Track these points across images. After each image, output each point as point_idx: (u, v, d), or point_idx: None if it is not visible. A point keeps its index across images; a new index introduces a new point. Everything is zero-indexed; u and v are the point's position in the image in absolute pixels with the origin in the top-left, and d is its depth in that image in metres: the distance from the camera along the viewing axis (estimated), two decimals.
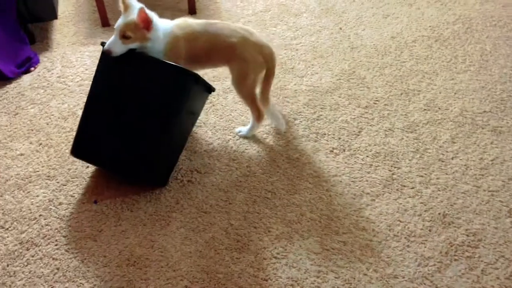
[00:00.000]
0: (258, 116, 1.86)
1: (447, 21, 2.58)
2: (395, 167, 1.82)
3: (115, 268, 1.51)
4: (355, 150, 1.89)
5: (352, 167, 1.82)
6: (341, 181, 1.77)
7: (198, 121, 1.98)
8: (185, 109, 1.70)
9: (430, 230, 1.61)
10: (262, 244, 1.57)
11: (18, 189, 1.75)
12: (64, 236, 1.61)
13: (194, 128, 1.97)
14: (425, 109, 2.06)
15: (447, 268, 1.50)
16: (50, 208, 1.69)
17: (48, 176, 1.80)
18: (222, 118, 2.03)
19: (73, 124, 2.00)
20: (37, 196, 1.73)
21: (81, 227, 1.63)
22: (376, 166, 1.82)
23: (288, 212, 1.67)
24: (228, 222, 1.64)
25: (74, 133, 1.94)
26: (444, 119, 2.02)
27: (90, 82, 2.18)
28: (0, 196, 1.73)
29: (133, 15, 1.62)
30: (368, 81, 2.21)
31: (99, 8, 2.54)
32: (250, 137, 1.94)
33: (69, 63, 2.33)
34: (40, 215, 1.67)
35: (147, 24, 1.63)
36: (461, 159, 1.85)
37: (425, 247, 1.56)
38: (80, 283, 1.48)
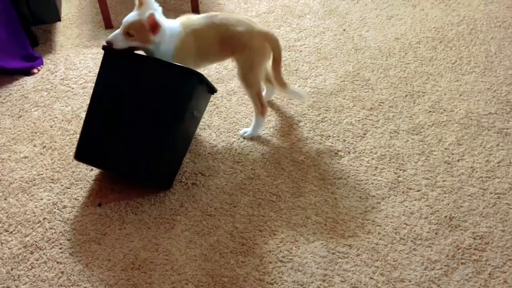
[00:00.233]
0: (262, 110, 1.87)
1: (452, 22, 2.57)
2: (400, 170, 1.81)
3: (119, 272, 1.51)
4: (360, 153, 1.88)
5: (357, 170, 1.81)
6: (346, 184, 1.76)
7: (202, 123, 1.97)
8: (189, 110, 1.69)
9: (436, 233, 1.60)
10: (267, 247, 1.57)
11: (22, 192, 1.75)
12: (68, 240, 1.60)
13: (198, 131, 1.96)
14: (430, 111, 2.05)
15: (454, 272, 1.49)
16: (54, 211, 1.68)
17: (52, 179, 1.79)
18: (226, 120, 2.02)
19: (77, 126, 2.00)
20: (41, 199, 1.72)
21: (85, 231, 1.62)
22: (382, 169, 1.81)
23: (293, 215, 1.66)
24: (233, 225, 1.63)
25: (78, 136, 1.94)
26: (450, 121, 2.00)
27: (93, 84, 2.19)
28: (4, 199, 1.72)
29: (143, 16, 1.61)
30: (373, 83, 2.20)
31: (102, 10, 2.53)
32: (255, 138, 1.93)
33: (73, 66, 2.32)
34: (44, 218, 1.66)
35: (155, 29, 1.63)
36: (467, 162, 1.83)
37: (431, 250, 1.55)
38: (85, 287, 1.47)
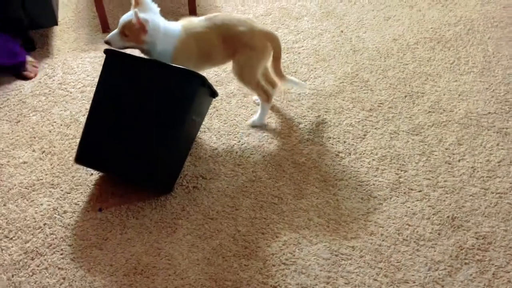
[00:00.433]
0: (266, 97, 1.90)
1: (449, 23, 2.58)
2: (401, 170, 1.81)
3: (122, 277, 1.49)
4: (361, 154, 1.88)
5: (358, 171, 1.81)
6: (347, 185, 1.76)
7: (202, 126, 1.96)
8: (190, 112, 1.68)
9: (439, 234, 1.60)
10: (270, 250, 1.56)
11: (21, 198, 1.73)
12: (69, 245, 1.59)
13: (198, 134, 1.95)
14: (429, 112, 2.05)
15: (457, 272, 1.49)
16: (55, 217, 1.67)
17: (52, 184, 1.78)
18: (226, 123, 2.02)
19: (76, 131, 1.98)
20: (41, 204, 1.71)
21: (86, 236, 1.61)
22: (383, 170, 1.81)
23: (295, 218, 1.65)
24: (235, 228, 1.62)
25: (77, 140, 1.93)
26: (449, 121, 2.01)
27: (92, 89, 2.18)
28: (3, 205, 1.71)
29: (133, 15, 1.62)
30: (372, 84, 2.21)
31: (100, 14, 2.52)
32: (256, 141, 1.93)
33: (70, 70, 2.31)
34: (45, 224, 1.65)
35: (141, 28, 1.63)
36: (467, 161, 1.84)
37: (434, 251, 1.55)
38: None
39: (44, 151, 1.90)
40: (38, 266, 1.53)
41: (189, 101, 1.65)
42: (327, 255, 1.54)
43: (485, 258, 1.53)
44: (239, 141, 1.94)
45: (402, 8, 2.71)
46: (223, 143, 1.93)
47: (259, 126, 1.98)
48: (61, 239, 1.60)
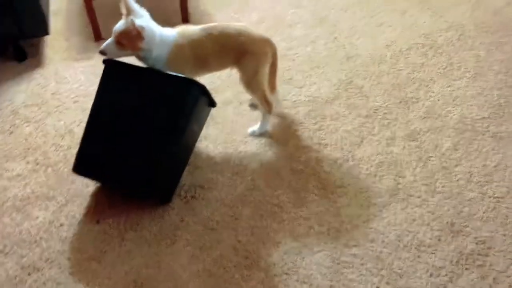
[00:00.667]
0: (269, 108, 1.92)
1: (440, 28, 2.60)
2: (399, 176, 1.81)
3: None
4: (358, 160, 1.88)
5: (357, 178, 1.81)
6: (347, 192, 1.76)
7: None
8: (190, 122, 1.68)
9: (439, 240, 1.60)
10: (271, 260, 1.55)
11: (16, 211, 1.70)
12: (67, 259, 1.56)
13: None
14: (425, 117, 2.06)
15: (459, 278, 1.50)
16: (51, 230, 1.64)
17: (47, 196, 1.75)
18: (222, 131, 2.01)
19: (70, 142, 1.96)
20: (37, 218, 1.68)
21: (84, 249, 1.59)
22: (381, 176, 1.82)
23: (296, 226, 1.64)
24: (236, 238, 1.61)
25: (72, 151, 1.91)
26: (445, 126, 2.02)
27: (86, 99, 2.16)
28: None
29: (128, 23, 1.61)
30: (366, 90, 2.21)
31: (92, 22, 2.50)
32: (253, 151, 1.92)
33: (63, 79, 2.28)
34: (41, 238, 1.62)
35: (137, 35, 1.62)
36: (464, 167, 1.85)
37: (435, 257, 1.55)
38: None
39: (38, 163, 1.87)
40: (35, 282, 1.50)
41: (189, 110, 1.65)
42: (328, 264, 1.53)
43: (485, 263, 1.53)
44: (237, 149, 1.93)
45: (393, 15, 2.73)
46: (220, 152, 1.92)
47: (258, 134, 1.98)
48: (58, 252, 1.57)
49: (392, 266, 1.53)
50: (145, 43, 1.66)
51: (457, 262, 1.54)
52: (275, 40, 2.50)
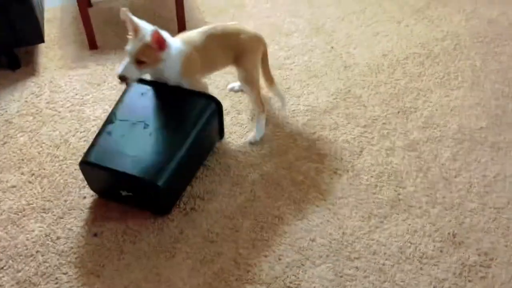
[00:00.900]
0: (262, 108, 1.95)
1: (436, 38, 2.61)
2: (400, 187, 1.81)
3: None
4: (358, 171, 1.87)
5: (357, 188, 1.80)
6: (347, 204, 1.74)
7: None
8: (205, 137, 1.77)
9: (441, 251, 1.59)
10: (273, 273, 1.53)
11: (11, 224, 1.66)
12: (64, 273, 1.52)
13: None
14: (423, 127, 2.06)
15: None
16: (48, 244, 1.60)
17: (43, 208, 1.71)
18: (221, 141, 1.98)
19: (66, 152, 1.92)
20: (33, 231, 1.64)
21: (82, 263, 1.55)
22: (381, 187, 1.81)
23: (297, 238, 1.62)
24: (236, 251, 1.59)
25: (67, 162, 1.88)
26: (443, 136, 2.02)
27: (81, 107, 2.14)
28: None
29: (145, 38, 1.60)
30: (364, 100, 2.21)
31: (87, 30, 2.47)
32: (253, 160, 1.90)
33: (58, 88, 2.24)
34: (37, 252, 1.58)
35: (162, 45, 1.63)
36: (464, 177, 1.85)
37: (438, 269, 1.55)
38: None
39: (33, 174, 1.83)
40: None
41: (208, 125, 1.75)
42: (331, 277, 1.52)
43: (488, 275, 1.53)
44: (236, 159, 1.91)
45: (389, 24, 2.74)
46: (219, 162, 1.90)
47: (259, 141, 1.97)
48: (55, 267, 1.54)
49: (395, 279, 1.52)
50: (165, 53, 1.66)
51: (460, 274, 1.53)
52: (273, 49, 2.52)
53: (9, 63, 2.33)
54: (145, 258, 1.57)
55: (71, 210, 1.71)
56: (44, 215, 1.69)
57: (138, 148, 1.62)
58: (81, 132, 2.01)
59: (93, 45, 2.51)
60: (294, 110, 2.14)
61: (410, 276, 1.53)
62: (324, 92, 2.25)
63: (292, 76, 2.35)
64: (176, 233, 1.64)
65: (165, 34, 1.67)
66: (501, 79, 2.33)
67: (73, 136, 2.00)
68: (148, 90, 1.77)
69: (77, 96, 2.20)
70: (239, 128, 2.05)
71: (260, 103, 1.94)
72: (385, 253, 1.59)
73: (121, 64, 1.68)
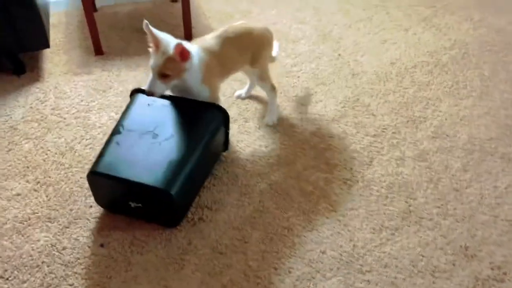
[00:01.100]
0: (274, 88, 2.02)
1: (444, 46, 2.60)
2: (410, 198, 1.78)
3: None
4: (368, 181, 1.84)
5: (368, 199, 1.77)
6: (358, 215, 1.72)
7: None
8: (214, 146, 1.76)
9: (454, 265, 1.57)
10: (284, 286, 1.50)
11: (16, 233, 1.63)
12: (70, 285, 1.49)
13: None
14: (433, 137, 2.04)
15: None
16: (53, 254, 1.57)
17: (49, 217, 1.68)
18: (228, 150, 1.96)
19: (71, 160, 1.89)
20: (38, 240, 1.61)
21: (88, 274, 1.52)
22: (392, 198, 1.78)
23: (308, 250, 1.60)
24: (246, 263, 1.56)
25: (73, 170, 1.86)
26: (453, 146, 2.00)
27: (87, 114, 2.11)
28: None
29: (168, 52, 1.59)
30: (373, 109, 2.19)
31: (93, 36, 2.45)
32: (261, 170, 1.88)
33: (63, 94, 2.22)
34: (43, 262, 1.55)
35: (186, 56, 1.63)
36: (475, 188, 1.82)
37: (451, 283, 1.52)
38: None
39: (38, 182, 1.81)
40: None
41: (216, 137, 1.73)
42: None
43: None
44: (244, 168, 1.88)
45: (397, 32, 2.73)
46: (227, 172, 1.87)
47: (276, 123, 2.05)
48: (61, 278, 1.51)
49: None
50: (188, 63, 1.66)
51: None
52: (279, 55, 2.50)
53: (14, 68, 2.30)
54: (153, 269, 1.54)
55: (77, 219, 1.68)
56: (50, 224, 1.66)
57: (148, 158, 1.59)
58: (86, 140, 1.99)
59: (98, 50, 2.49)
60: (301, 119, 2.12)
61: None
62: (332, 100, 2.23)
63: (299, 84, 2.33)
64: (185, 244, 1.61)
65: (187, 45, 1.65)
66: (510, 88, 2.32)
67: (79, 143, 1.97)
68: (154, 101, 1.75)
69: (82, 102, 2.18)
70: (246, 137, 2.03)
71: (273, 87, 2.01)
72: (396, 266, 1.56)
73: (148, 79, 1.70)
